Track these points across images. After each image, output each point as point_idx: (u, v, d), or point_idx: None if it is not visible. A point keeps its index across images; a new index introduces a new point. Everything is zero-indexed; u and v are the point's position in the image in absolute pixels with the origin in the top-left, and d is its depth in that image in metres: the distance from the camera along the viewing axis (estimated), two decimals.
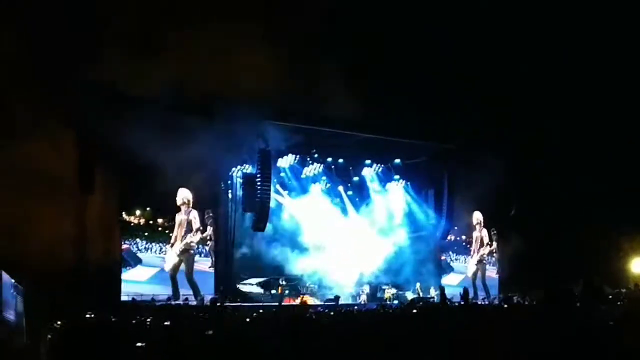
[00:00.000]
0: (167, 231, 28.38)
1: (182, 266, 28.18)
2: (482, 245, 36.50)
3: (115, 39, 23.31)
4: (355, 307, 25.74)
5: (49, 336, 14.65)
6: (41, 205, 22.12)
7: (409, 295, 31.28)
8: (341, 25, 26.55)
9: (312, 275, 30.97)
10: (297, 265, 30.59)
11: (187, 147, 25.90)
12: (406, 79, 28.05)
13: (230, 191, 30.04)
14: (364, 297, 30.88)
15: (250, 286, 29.96)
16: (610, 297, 24.24)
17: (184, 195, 28.23)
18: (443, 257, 35.32)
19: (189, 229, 28.44)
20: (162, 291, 27.16)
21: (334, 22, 26.18)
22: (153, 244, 27.92)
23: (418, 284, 32.28)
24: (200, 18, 24.65)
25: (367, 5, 26.71)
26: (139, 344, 12.51)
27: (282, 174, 31.26)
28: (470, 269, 36.14)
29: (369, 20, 27.08)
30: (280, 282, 30.21)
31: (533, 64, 29.22)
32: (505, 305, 23.42)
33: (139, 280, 27.14)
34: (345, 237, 32.80)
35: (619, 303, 20.24)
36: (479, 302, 31.14)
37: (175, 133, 25.13)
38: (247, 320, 16.80)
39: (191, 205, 28.50)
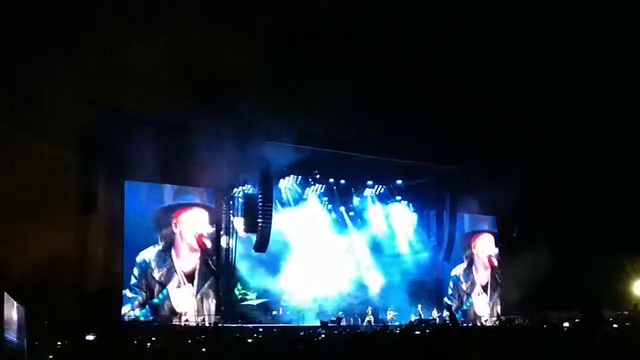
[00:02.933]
0: None
1: None
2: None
3: (114, 57, 23.37)
4: (358, 330, 25.55)
5: (51, 357, 14.56)
6: (43, 224, 22.09)
7: (411, 317, 31.09)
8: (344, 46, 26.59)
9: (311, 296, 30.86)
10: (296, 286, 30.48)
11: (188, 166, 25.98)
12: (409, 100, 28.03)
13: (231, 212, 29.89)
14: (369, 319, 30.60)
15: (252, 307, 29.78)
16: (611, 319, 24.13)
17: None
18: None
19: None
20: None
21: (337, 44, 26.23)
22: None
23: (419, 306, 32.13)
24: (199, 36, 24.71)
25: (374, 24, 26.70)
26: None
27: (284, 195, 31.15)
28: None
29: (373, 39, 27.09)
30: (282, 304, 30.07)
31: (538, 85, 29.18)
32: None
33: None
34: (347, 258, 32.75)
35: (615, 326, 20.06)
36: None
37: (177, 152, 25.17)
38: (249, 341, 16.69)
39: None
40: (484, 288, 35.32)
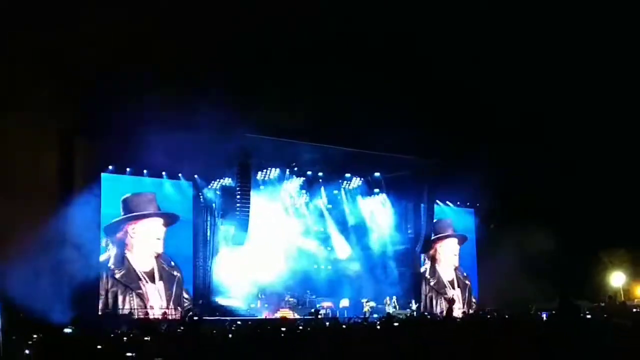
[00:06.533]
0: None
1: None
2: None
3: (94, 52, 23.19)
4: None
5: (27, 351, 14.43)
6: (19, 213, 21.88)
7: (389, 309, 31.14)
8: (323, 39, 26.50)
9: (292, 289, 30.93)
10: (275, 278, 30.47)
11: (166, 157, 25.85)
12: (388, 93, 28.03)
13: (211, 204, 29.74)
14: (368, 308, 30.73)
15: (229, 300, 29.67)
16: (587, 312, 24.35)
17: None
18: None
19: None
20: None
21: (318, 37, 26.15)
22: None
23: (394, 298, 32.14)
24: (177, 22, 24.52)
25: (351, 14, 26.59)
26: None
27: (262, 187, 30.99)
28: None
29: (353, 32, 27.01)
30: (259, 296, 30.05)
31: (519, 79, 29.27)
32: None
33: None
34: (324, 251, 32.92)
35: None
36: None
37: (155, 144, 24.97)
38: (230, 336, 16.61)
39: None
40: (452, 285, 35.47)
